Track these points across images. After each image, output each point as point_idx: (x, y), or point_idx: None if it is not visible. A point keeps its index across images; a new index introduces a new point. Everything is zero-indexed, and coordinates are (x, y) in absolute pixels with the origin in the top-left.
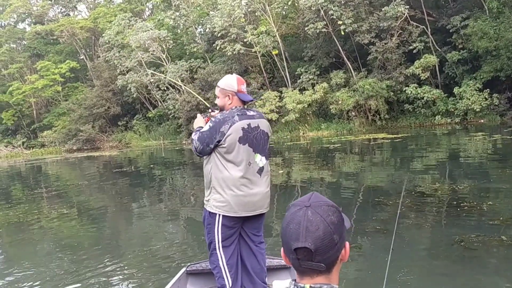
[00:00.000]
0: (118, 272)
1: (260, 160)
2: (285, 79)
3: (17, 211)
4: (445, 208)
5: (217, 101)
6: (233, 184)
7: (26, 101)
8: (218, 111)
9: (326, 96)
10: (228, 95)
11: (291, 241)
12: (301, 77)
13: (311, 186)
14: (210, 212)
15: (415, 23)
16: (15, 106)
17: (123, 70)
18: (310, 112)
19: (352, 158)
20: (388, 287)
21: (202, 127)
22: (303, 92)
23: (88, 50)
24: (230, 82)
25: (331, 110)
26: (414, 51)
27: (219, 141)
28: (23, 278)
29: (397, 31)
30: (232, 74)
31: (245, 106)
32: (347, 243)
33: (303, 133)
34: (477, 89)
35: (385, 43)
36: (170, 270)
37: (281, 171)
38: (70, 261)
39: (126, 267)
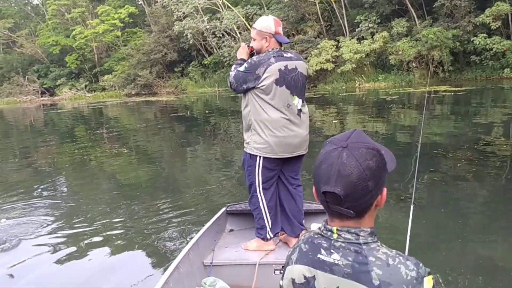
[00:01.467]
0: (166, 210)
1: (298, 102)
2: (343, 28)
3: (81, 150)
4: (508, 163)
5: (254, 44)
6: (273, 125)
7: (88, 45)
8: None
9: (385, 46)
10: (266, 37)
11: (321, 183)
12: (360, 25)
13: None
14: (251, 154)
15: None
16: (78, 50)
17: (180, 16)
18: (368, 62)
19: (409, 111)
20: (445, 238)
21: (243, 60)
22: (361, 41)
23: None
24: (267, 23)
25: (390, 61)
26: None
27: (254, 83)
28: (83, 211)
29: None
30: (268, 16)
31: (283, 48)
32: (384, 189)
33: (359, 84)
34: None
35: None
36: (215, 210)
37: (335, 121)
38: (124, 197)
39: (173, 207)
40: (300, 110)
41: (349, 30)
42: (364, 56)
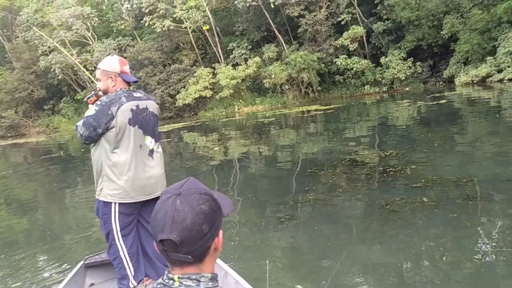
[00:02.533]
0: (23, 265)
1: (151, 142)
2: (218, 55)
3: None
4: (374, 174)
5: (99, 85)
6: (125, 169)
7: None
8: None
9: (259, 70)
10: (111, 77)
11: (157, 232)
12: (233, 52)
13: (248, 159)
14: (104, 201)
15: None
16: None
17: (45, 51)
18: (244, 87)
19: (287, 131)
20: (319, 251)
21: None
22: (236, 67)
23: (5, 30)
24: (111, 63)
25: (265, 85)
26: (342, 23)
27: (107, 125)
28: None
29: (325, 3)
30: (112, 55)
31: (131, 88)
32: (220, 232)
33: (238, 109)
34: (402, 58)
35: (314, 15)
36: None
37: (217, 148)
38: None
39: (31, 261)
40: (152, 150)
41: (223, 57)
42: (240, 81)
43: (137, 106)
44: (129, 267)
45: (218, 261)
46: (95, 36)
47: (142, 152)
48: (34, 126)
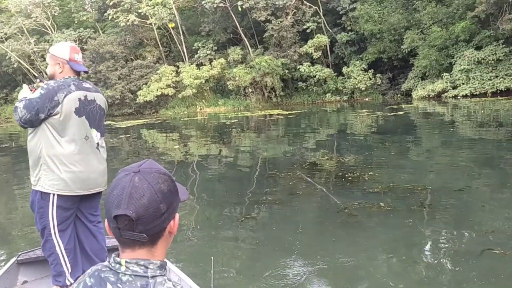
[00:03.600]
0: None
1: (96, 135)
2: (182, 54)
3: None
4: (332, 178)
5: (48, 69)
6: (68, 160)
7: None
8: (46, 82)
9: (223, 72)
10: (59, 63)
11: (112, 208)
12: (198, 52)
13: (207, 160)
14: (42, 192)
15: (308, 3)
16: None
17: (1, 37)
18: (208, 87)
19: (248, 133)
20: (277, 251)
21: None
22: (201, 67)
23: None
24: (61, 49)
25: (229, 86)
26: (308, 31)
27: (51, 111)
28: None
29: (292, 10)
30: (66, 41)
31: (81, 78)
32: (177, 215)
33: (200, 109)
34: (363, 69)
35: (281, 21)
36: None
37: (177, 147)
38: None
39: None
40: (98, 144)
41: (188, 56)
42: (203, 82)
43: (85, 96)
44: (65, 264)
45: None
46: (55, 25)
47: (88, 145)
48: None
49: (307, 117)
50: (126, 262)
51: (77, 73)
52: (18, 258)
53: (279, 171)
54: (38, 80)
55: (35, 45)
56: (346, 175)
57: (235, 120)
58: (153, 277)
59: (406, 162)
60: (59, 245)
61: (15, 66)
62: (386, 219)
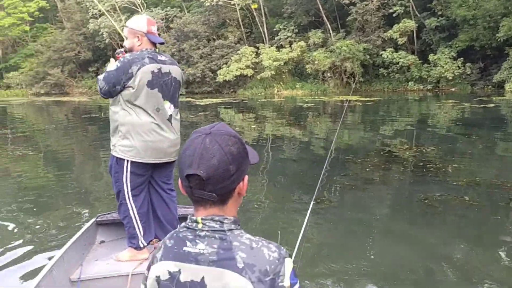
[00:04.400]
0: (43, 216)
1: (169, 107)
2: (263, 35)
3: None
4: (412, 168)
5: (126, 43)
6: (141, 129)
7: None
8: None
9: (303, 55)
10: (138, 36)
11: (184, 167)
12: (279, 34)
13: (282, 141)
14: (117, 158)
15: None
16: None
17: (96, 14)
18: (286, 70)
19: (324, 118)
20: (350, 238)
21: None
22: (280, 49)
23: None
24: (139, 22)
25: (307, 70)
26: (394, 15)
27: (125, 83)
28: (27, 212)
29: None
30: (142, 14)
31: (157, 50)
32: (246, 177)
33: (278, 91)
34: (452, 58)
35: (366, 5)
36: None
37: (253, 126)
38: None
39: (52, 214)
40: (171, 116)
41: (268, 38)
42: (282, 64)
43: (159, 69)
44: (138, 227)
45: None
46: (144, 4)
47: (160, 116)
48: (77, 86)
49: (387, 105)
50: (202, 219)
51: (154, 45)
52: (97, 219)
53: (355, 157)
54: (123, 50)
55: (125, 22)
56: (427, 165)
57: (312, 104)
58: (229, 230)
59: (493, 157)
60: (132, 209)
61: (106, 41)
62: (469, 214)
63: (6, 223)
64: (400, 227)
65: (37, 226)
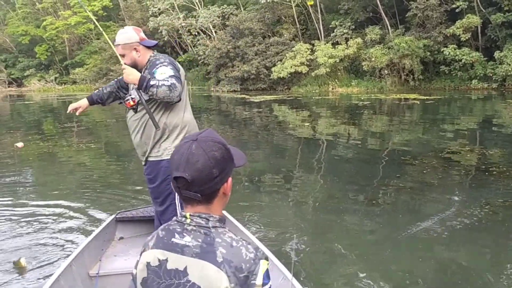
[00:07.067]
0: (73, 207)
1: None
2: (318, 32)
3: (48, 143)
4: (473, 171)
5: (125, 61)
6: (190, 128)
7: (59, 37)
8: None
9: (359, 52)
10: (134, 48)
11: (173, 170)
12: (335, 30)
13: (336, 140)
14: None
15: None
16: (48, 41)
17: (155, 12)
18: (341, 67)
19: (380, 116)
20: (401, 245)
21: (143, 76)
22: (336, 46)
23: None
24: (128, 34)
25: (363, 67)
26: (457, 10)
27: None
28: (51, 206)
29: None
30: (123, 28)
31: (155, 52)
32: (229, 179)
33: (333, 88)
34: None
35: (427, 0)
36: None
37: (307, 124)
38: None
39: (85, 204)
40: None
41: (324, 35)
42: (338, 61)
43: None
44: None
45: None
46: (202, 2)
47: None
48: None
49: (448, 104)
50: (190, 215)
51: (151, 49)
52: (117, 216)
53: (412, 158)
54: (129, 98)
55: (183, 20)
56: (490, 169)
57: (368, 102)
58: (214, 227)
59: None
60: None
61: (165, 39)
62: None
63: (59, 208)
64: (458, 234)
65: (69, 214)
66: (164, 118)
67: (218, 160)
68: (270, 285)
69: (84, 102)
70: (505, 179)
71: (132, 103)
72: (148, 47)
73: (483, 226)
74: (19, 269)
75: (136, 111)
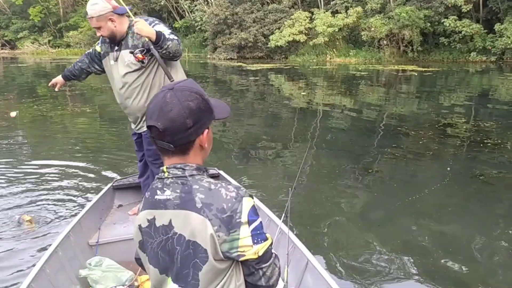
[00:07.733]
0: (69, 171)
1: None
2: (318, 0)
3: (42, 107)
4: (468, 143)
5: (102, 33)
6: None
7: None
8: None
9: (358, 21)
10: (110, 18)
11: (147, 118)
12: None
13: (332, 110)
14: None
15: None
16: (42, 2)
17: None
18: (340, 37)
19: (378, 88)
20: (395, 212)
21: (159, 31)
22: (336, 15)
23: None
24: (101, 5)
25: (362, 37)
26: None
27: None
28: (45, 168)
29: None
30: (90, 1)
31: (132, 18)
32: (206, 131)
33: (330, 58)
34: None
35: None
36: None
37: (304, 93)
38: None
39: (81, 172)
40: None
41: (324, 3)
42: (337, 30)
43: None
44: None
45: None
46: None
47: None
48: None
49: (445, 76)
50: (167, 168)
51: (124, 16)
52: (114, 184)
53: (409, 128)
54: (137, 52)
55: None
56: (485, 141)
57: (365, 73)
58: (191, 175)
59: None
60: None
61: (162, 3)
62: None
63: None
64: (451, 203)
65: (67, 182)
66: (166, 78)
67: (193, 111)
68: (260, 221)
69: (59, 79)
70: (499, 151)
71: (141, 57)
72: (121, 14)
73: (477, 196)
74: (25, 224)
75: (139, 73)
